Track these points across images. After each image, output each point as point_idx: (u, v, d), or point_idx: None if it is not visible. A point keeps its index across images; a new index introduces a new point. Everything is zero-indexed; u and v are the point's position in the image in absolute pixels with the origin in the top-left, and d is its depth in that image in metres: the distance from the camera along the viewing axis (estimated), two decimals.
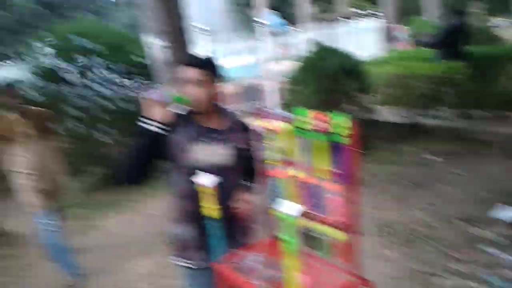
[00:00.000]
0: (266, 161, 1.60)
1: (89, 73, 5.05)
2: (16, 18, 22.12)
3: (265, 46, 9.91)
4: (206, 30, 9.41)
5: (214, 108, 1.86)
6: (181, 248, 1.89)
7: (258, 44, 10.47)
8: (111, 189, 5.72)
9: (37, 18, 22.28)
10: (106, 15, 34.71)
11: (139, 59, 5.38)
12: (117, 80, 4.78)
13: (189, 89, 1.78)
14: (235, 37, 10.17)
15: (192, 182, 1.74)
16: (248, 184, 1.95)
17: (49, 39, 5.38)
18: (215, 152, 1.82)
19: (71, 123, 4.99)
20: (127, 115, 5.12)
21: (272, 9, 21.45)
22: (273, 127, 1.50)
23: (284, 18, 22.23)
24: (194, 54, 1.92)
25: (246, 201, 1.83)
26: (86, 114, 4.98)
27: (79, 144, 5.26)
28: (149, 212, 4.86)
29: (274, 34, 11.96)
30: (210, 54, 1.92)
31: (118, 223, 4.72)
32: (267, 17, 17.96)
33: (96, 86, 5.04)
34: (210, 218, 1.70)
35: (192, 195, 1.76)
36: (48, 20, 22.80)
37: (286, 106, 6.35)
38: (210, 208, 1.67)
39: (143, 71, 5.38)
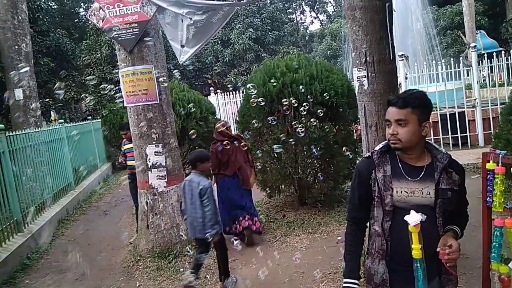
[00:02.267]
0: (492, 208, 1.45)
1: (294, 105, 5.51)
2: (233, 53, 26.08)
3: (474, 71, 8.91)
4: (405, 56, 9.08)
5: (418, 145, 1.79)
6: (369, 280, 1.88)
7: (464, 68, 9.50)
8: (300, 209, 6.07)
9: (250, 52, 25.73)
10: (309, 47, 37.34)
11: (340, 89, 5.59)
12: (319, 111, 5.05)
13: (393, 128, 1.76)
14: (436, 62, 9.48)
15: (390, 220, 1.75)
16: (456, 229, 1.80)
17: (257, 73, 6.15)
18: (415, 191, 1.75)
19: (275, 145, 5.53)
20: (325, 144, 5.42)
21: (481, 29, 19.13)
22: (499, 170, 1.35)
23: (495, 38, 19.50)
24: (400, 93, 1.86)
25: (455, 250, 1.66)
26: (290, 139, 5.43)
27: (278, 164, 5.79)
28: (336, 237, 4.92)
29: (484, 56, 10.61)
30: (419, 90, 1.85)
31: (304, 242, 4.94)
32: (476, 39, 16.08)
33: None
34: (410, 257, 1.67)
35: (389, 232, 1.77)
36: (258, 54, 26.06)
37: (497, 138, 5.51)
38: (412, 247, 1.65)
39: (344, 101, 5.60)
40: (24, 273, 4.99)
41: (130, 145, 5.53)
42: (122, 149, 6.07)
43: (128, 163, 5.80)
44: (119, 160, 6.11)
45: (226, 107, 11.53)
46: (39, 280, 4.74)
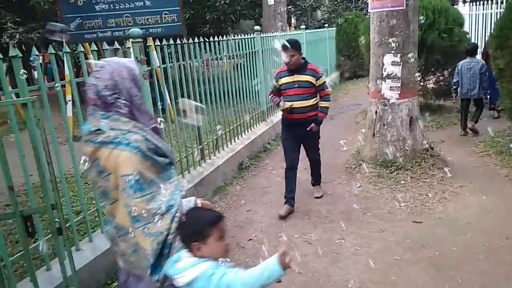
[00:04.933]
0: None
1: None
2: None
3: None
4: None
5: None
6: None
7: None
8: None
9: None
10: None
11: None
12: None
13: None
14: None
15: None
16: None
17: None
18: None
19: None
20: None
21: None
22: None
23: None
24: None
25: None
26: None
27: None
28: None
29: None
30: None
31: None
32: None
33: None
34: None
35: None
36: None
37: None
38: None
39: None
40: (265, 154, 6.02)
41: (294, 78, 3.89)
42: (276, 83, 4.03)
43: (287, 104, 3.89)
44: (277, 102, 3.99)
45: (478, 19, 9.85)
46: (274, 160, 5.64)
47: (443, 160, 4.88)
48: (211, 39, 5.07)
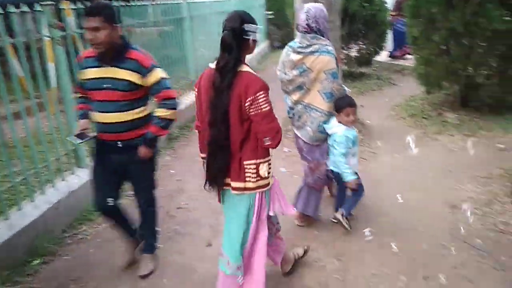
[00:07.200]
0: None
1: None
2: None
3: None
4: None
5: None
6: None
7: None
8: (460, 110, 5.58)
9: None
10: None
11: None
12: None
13: None
14: None
15: None
16: None
17: None
18: None
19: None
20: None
21: None
22: None
23: None
24: None
25: None
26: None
27: (446, 58, 5.23)
28: (496, 144, 4.50)
29: None
30: None
31: (458, 143, 4.66)
32: None
33: None
34: None
35: None
36: None
37: None
38: None
39: None
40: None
41: (104, 72, 2.27)
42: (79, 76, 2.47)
43: (97, 116, 2.39)
44: (79, 114, 2.51)
45: None
46: None
47: (361, 123, 5.21)
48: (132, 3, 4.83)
